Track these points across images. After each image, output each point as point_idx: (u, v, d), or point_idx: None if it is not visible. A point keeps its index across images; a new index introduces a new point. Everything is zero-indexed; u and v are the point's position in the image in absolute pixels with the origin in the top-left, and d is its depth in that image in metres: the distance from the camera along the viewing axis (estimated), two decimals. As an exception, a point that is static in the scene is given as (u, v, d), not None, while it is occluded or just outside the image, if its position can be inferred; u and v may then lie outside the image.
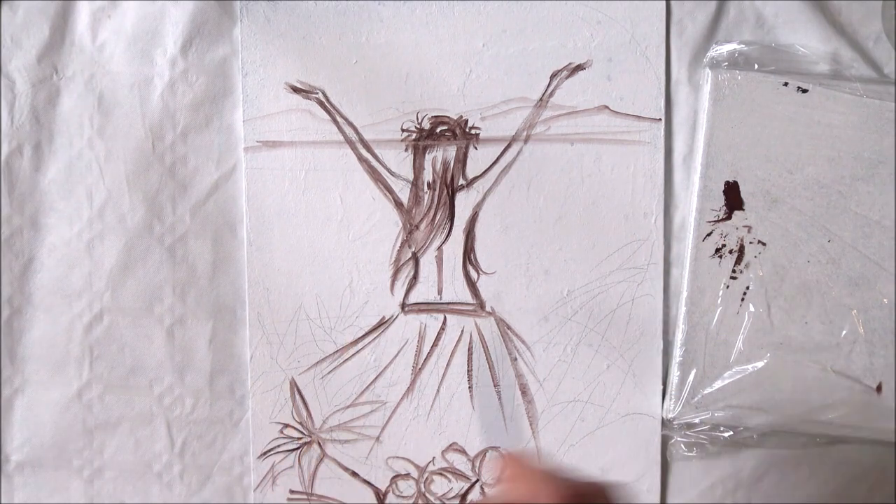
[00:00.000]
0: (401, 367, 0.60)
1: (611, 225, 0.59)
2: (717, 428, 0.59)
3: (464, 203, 0.59)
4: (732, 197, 0.58)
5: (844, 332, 0.58)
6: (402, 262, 0.59)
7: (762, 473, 0.60)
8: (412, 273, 0.59)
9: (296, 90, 0.58)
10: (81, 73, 0.58)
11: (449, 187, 0.59)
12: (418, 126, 0.58)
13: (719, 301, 0.58)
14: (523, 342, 0.59)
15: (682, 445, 0.59)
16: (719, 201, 0.58)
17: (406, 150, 0.58)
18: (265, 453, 0.60)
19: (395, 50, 0.58)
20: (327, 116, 0.58)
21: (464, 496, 0.60)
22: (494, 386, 0.60)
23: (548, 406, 0.60)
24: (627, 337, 0.59)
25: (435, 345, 0.59)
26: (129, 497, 0.60)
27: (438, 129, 0.58)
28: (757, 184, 0.58)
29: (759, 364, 0.58)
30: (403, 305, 0.59)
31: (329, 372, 0.59)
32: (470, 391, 0.60)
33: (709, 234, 0.58)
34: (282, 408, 0.59)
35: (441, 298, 0.59)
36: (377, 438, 0.60)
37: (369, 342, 0.59)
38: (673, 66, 0.58)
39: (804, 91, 0.57)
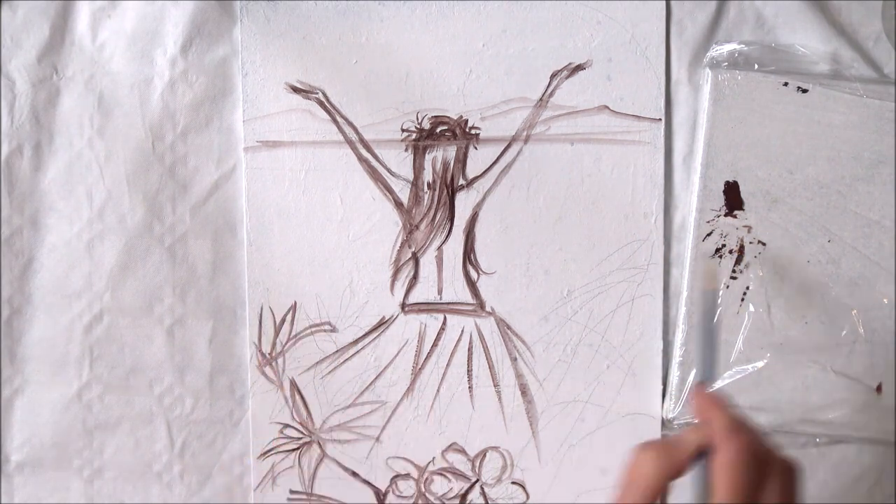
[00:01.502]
0: (401, 367, 0.60)
1: (611, 225, 0.59)
2: (717, 428, 0.58)
3: (464, 203, 0.59)
4: (732, 197, 0.58)
5: (844, 332, 0.58)
6: (402, 262, 0.59)
7: (762, 473, 0.60)
8: (412, 273, 0.59)
9: (296, 90, 0.58)
10: (81, 73, 0.58)
11: (449, 187, 0.59)
12: (418, 126, 0.58)
13: (719, 301, 0.58)
14: (523, 342, 0.59)
15: (682, 445, 0.59)
16: (719, 201, 0.58)
17: (406, 150, 0.58)
18: (265, 453, 0.60)
19: (395, 50, 0.58)
20: (327, 116, 0.58)
21: (464, 496, 0.60)
22: (494, 386, 0.60)
23: (548, 406, 0.60)
24: (627, 337, 0.59)
25: (435, 345, 0.59)
26: (129, 497, 0.60)
27: (438, 129, 0.58)
28: (757, 184, 0.58)
29: (759, 364, 0.58)
30: (403, 305, 0.59)
31: (329, 372, 0.59)
32: (470, 391, 0.60)
33: (709, 234, 0.58)
34: (282, 408, 0.59)
35: (441, 298, 0.59)
36: (377, 438, 0.60)
37: (369, 342, 0.59)
38: (673, 66, 0.58)
39: (804, 91, 0.57)
